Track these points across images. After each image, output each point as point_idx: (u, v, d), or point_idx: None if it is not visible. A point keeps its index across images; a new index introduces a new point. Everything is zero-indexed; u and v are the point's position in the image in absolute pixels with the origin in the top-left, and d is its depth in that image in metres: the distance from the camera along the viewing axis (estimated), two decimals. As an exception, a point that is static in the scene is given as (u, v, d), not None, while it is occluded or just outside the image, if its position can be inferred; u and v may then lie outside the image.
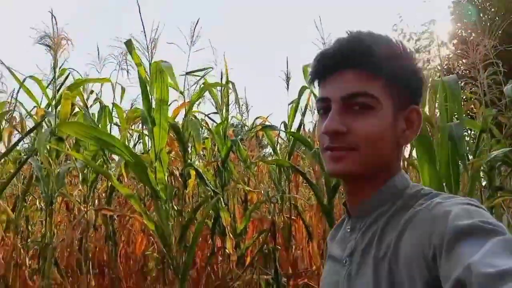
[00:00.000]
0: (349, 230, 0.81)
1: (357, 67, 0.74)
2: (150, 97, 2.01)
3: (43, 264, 2.86)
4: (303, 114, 3.35)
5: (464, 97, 3.14)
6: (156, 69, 1.99)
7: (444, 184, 1.93)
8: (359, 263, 0.74)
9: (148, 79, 1.99)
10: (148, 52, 1.99)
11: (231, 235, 2.91)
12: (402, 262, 0.65)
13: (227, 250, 2.97)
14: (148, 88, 1.99)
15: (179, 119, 3.20)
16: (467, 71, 2.87)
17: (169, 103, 2.41)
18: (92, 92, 3.74)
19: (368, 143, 0.73)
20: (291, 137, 3.28)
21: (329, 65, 0.77)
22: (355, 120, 0.73)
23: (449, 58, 10.01)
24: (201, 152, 3.71)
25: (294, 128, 3.34)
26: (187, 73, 2.96)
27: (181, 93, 2.87)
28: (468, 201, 0.64)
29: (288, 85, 3.49)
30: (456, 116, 2.17)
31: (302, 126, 3.43)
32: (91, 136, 1.80)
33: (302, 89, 3.16)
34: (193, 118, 3.31)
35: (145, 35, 1.97)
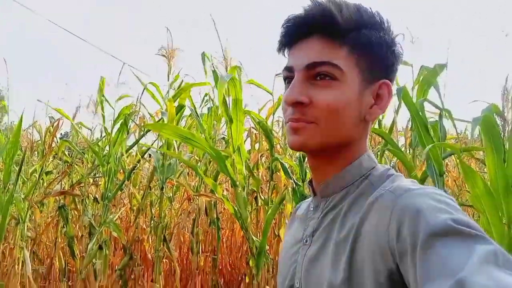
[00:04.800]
0: (312, 209, 0.78)
1: (321, 35, 0.70)
2: (226, 98, 2.30)
3: (155, 241, 3.39)
4: (396, 111, 3.33)
5: None
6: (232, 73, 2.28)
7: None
8: (320, 243, 0.72)
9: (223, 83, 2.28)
10: (224, 59, 2.29)
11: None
12: (365, 247, 0.63)
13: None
14: (223, 90, 2.28)
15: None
16: None
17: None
18: (206, 94, 4.26)
19: (329, 117, 0.69)
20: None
21: (294, 32, 0.73)
22: (318, 92, 0.69)
23: None
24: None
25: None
26: (277, 75, 3.23)
27: (271, 93, 3.14)
28: (439, 192, 0.61)
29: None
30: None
31: (394, 123, 3.40)
32: (176, 134, 2.14)
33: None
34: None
35: (222, 45, 2.26)
